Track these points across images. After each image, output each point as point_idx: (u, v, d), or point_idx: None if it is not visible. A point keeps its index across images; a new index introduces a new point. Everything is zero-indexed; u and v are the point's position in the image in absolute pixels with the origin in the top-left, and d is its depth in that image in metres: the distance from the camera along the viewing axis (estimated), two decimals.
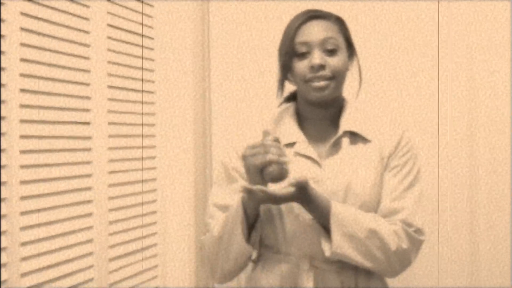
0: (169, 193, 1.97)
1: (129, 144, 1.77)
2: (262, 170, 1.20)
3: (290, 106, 1.44)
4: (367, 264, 1.28)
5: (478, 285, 1.93)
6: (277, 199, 1.23)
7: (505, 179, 1.91)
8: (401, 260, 1.31)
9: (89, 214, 1.59)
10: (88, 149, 1.58)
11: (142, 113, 1.84)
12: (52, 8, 1.45)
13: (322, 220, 1.28)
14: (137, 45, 1.82)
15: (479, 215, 1.93)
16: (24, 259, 1.36)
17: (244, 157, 1.23)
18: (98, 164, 1.62)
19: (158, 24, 1.94)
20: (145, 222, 1.85)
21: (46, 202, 1.43)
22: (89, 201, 1.58)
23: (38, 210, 1.41)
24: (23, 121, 1.36)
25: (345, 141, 1.37)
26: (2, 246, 1.30)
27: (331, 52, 1.32)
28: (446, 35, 1.96)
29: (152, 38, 1.90)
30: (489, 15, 1.92)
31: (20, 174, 1.35)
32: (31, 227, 1.39)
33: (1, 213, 1.30)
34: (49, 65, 1.44)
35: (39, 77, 1.41)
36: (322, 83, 1.31)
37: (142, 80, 1.85)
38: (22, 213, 1.36)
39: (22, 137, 1.36)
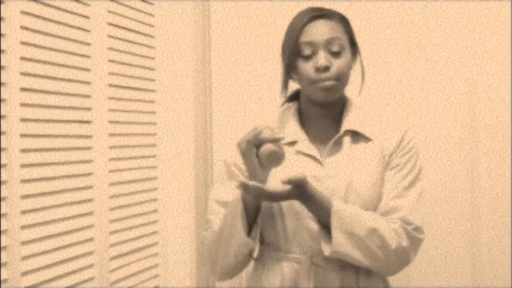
0: (170, 192, 1.97)
1: (129, 143, 1.77)
2: (258, 154, 1.20)
3: (292, 105, 1.44)
4: (366, 262, 1.28)
5: (478, 285, 1.93)
6: (274, 197, 1.22)
7: (506, 178, 1.91)
8: (401, 259, 1.31)
9: (90, 213, 1.58)
10: (89, 148, 1.58)
11: (142, 112, 1.84)
12: (52, 6, 1.45)
13: (323, 218, 1.28)
14: (137, 43, 1.81)
15: (479, 215, 1.93)
16: (25, 258, 1.36)
17: (238, 145, 1.23)
18: (99, 162, 1.61)
19: (159, 22, 1.94)
20: (146, 221, 1.85)
21: (46, 201, 1.43)
22: (89, 200, 1.58)
23: (39, 209, 1.40)
24: (23, 119, 1.36)
25: (347, 140, 1.37)
26: (2, 245, 1.30)
27: (336, 53, 1.32)
28: (447, 35, 1.95)
29: (152, 37, 1.90)
30: (489, 15, 1.92)
31: (21, 173, 1.35)
32: (32, 226, 1.38)
33: (2, 212, 1.29)
34: (50, 63, 1.44)
35: (39, 76, 1.41)
36: (327, 84, 1.31)
37: (142, 78, 1.84)
38: (23, 212, 1.36)
39: (23, 135, 1.36)
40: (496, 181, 1.92)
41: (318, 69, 1.30)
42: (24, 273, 1.36)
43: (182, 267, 1.98)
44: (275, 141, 1.20)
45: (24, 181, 1.36)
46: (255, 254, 1.37)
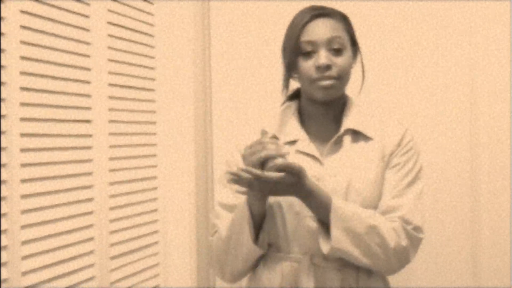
0: (170, 191, 1.97)
1: (129, 142, 1.77)
2: (263, 167, 1.20)
3: (292, 104, 1.44)
4: (365, 260, 1.28)
5: (478, 285, 1.93)
6: (269, 184, 1.19)
7: (507, 178, 1.91)
8: (400, 258, 1.30)
9: (90, 212, 1.58)
10: (89, 147, 1.58)
11: (142, 111, 1.84)
12: (52, 6, 1.45)
13: (322, 215, 1.28)
14: (137, 43, 1.81)
15: (480, 215, 1.93)
16: (25, 257, 1.36)
17: (243, 158, 1.23)
18: (99, 162, 1.61)
19: (159, 22, 1.93)
20: (146, 220, 1.85)
21: (46, 200, 1.42)
22: (89, 199, 1.58)
23: (39, 209, 1.40)
24: (23, 119, 1.36)
25: (347, 139, 1.37)
26: (2, 244, 1.30)
27: (337, 52, 1.32)
28: (447, 35, 1.95)
29: (152, 36, 1.90)
30: (489, 15, 1.91)
31: (21, 173, 1.35)
32: (32, 225, 1.38)
33: (2, 211, 1.29)
34: (50, 63, 1.44)
35: (39, 75, 1.41)
36: (328, 83, 1.30)
37: (142, 78, 1.84)
38: (23, 212, 1.36)
39: (23, 135, 1.36)
40: (497, 180, 1.92)
41: (319, 68, 1.30)
42: (24, 273, 1.36)
43: (182, 266, 1.98)
44: (280, 156, 1.20)
45: (24, 180, 1.36)
46: None
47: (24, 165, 1.36)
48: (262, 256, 1.38)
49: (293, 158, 1.35)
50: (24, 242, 1.36)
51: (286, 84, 1.39)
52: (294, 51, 1.33)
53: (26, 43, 1.37)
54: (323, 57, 1.30)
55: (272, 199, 1.34)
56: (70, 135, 1.51)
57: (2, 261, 1.29)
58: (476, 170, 1.94)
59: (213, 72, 2.13)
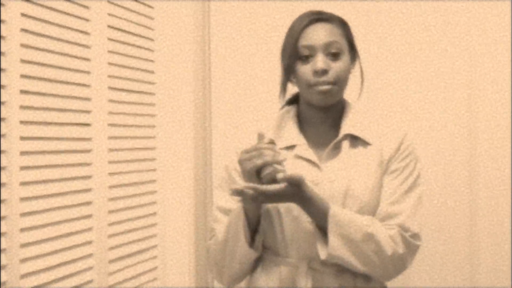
0: (169, 195, 1.97)
1: (129, 146, 1.77)
2: (259, 173, 1.20)
3: (291, 108, 1.44)
4: (361, 267, 1.28)
5: (478, 285, 1.93)
6: (270, 196, 1.21)
7: (505, 181, 1.91)
8: (396, 265, 1.30)
9: (89, 216, 1.58)
10: (88, 151, 1.58)
11: (142, 115, 1.84)
12: (52, 9, 1.45)
13: (320, 221, 1.28)
14: (137, 46, 1.82)
15: (479, 216, 1.93)
16: (24, 260, 1.36)
17: (239, 162, 1.23)
18: (98, 165, 1.61)
19: (159, 25, 1.94)
20: (145, 223, 1.85)
21: (46, 203, 1.43)
22: (89, 203, 1.58)
23: (38, 212, 1.40)
24: (23, 122, 1.36)
25: (346, 144, 1.37)
26: (1, 247, 1.30)
27: (335, 56, 1.32)
28: (446, 37, 1.96)
29: (152, 40, 1.90)
30: (489, 15, 1.92)
31: (20, 176, 1.35)
32: (31, 228, 1.38)
33: (1, 214, 1.29)
34: (49, 66, 1.44)
35: (39, 78, 1.41)
36: (325, 88, 1.30)
37: (142, 81, 1.84)
38: (22, 215, 1.36)
39: (22, 138, 1.36)
40: (496, 183, 1.92)
41: (316, 72, 1.30)
42: (23, 276, 1.36)
43: (181, 269, 1.97)
44: (277, 163, 1.20)
45: (24, 183, 1.36)
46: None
47: (23, 168, 1.36)
48: (259, 259, 1.39)
49: (292, 163, 1.35)
50: (23, 245, 1.36)
51: (283, 88, 1.39)
52: (292, 55, 1.33)
53: (26, 46, 1.37)
54: (320, 61, 1.30)
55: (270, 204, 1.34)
56: (69, 138, 1.51)
57: (1, 264, 1.29)
58: (475, 173, 1.94)
59: (212, 76, 2.13)
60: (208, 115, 2.12)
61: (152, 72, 1.90)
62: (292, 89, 1.42)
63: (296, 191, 1.22)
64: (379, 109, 1.98)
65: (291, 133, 1.39)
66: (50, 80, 1.44)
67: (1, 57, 1.30)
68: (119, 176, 1.72)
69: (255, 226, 1.32)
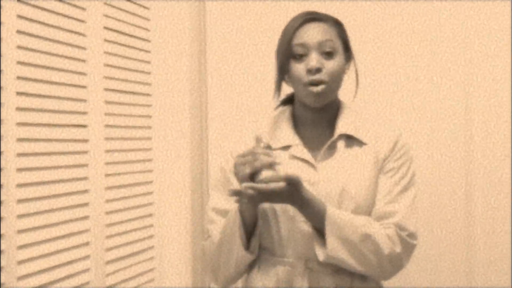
0: (166, 196, 1.97)
1: (125, 147, 1.77)
2: (253, 177, 1.21)
3: (286, 109, 1.44)
4: (359, 268, 1.29)
5: (477, 285, 1.93)
6: (268, 195, 1.21)
7: (503, 180, 1.91)
8: (393, 264, 1.31)
9: (86, 217, 1.58)
10: (85, 152, 1.58)
11: (138, 116, 1.84)
12: (48, 10, 1.45)
13: (317, 223, 1.28)
14: (133, 47, 1.82)
15: (477, 215, 1.94)
16: (21, 262, 1.36)
17: (235, 166, 1.23)
18: (95, 167, 1.61)
19: (155, 27, 1.94)
20: (142, 224, 1.85)
21: (42, 205, 1.42)
22: (85, 204, 1.58)
23: (35, 213, 1.40)
24: (19, 124, 1.36)
25: (341, 144, 1.37)
26: None
27: (328, 55, 1.32)
28: (445, 36, 1.96)
29: (148, 41, 1.90)
30: (489, 15, 1.92)
31: (17, 177, 1.35)
32: (28, 230, 1.38)
33: None
34: (46, 68, 1.44)
35: (35, 80, 1.41)
36: (318, 88, 1.31)
37: (138, 82, 1.85)
38: (19, 216, 1.35)
39: (19, 140, 1.36)
40: (494, 182, 1.92)
41: (310, 71, 1.31)
42: (20, 278, 1.36)
43: (178, 271, 1.98)
44: (271, 166, 1.21)
45: (20, 185, 1.36)
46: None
47: (20, 169, 1.36)
48: (255, 260, 1.39)
49: (287, 164, 1.35)
50: (20, 247, 1.36)
51: (278, 88, 1.40)
52: (286, 54, 1.34)
53: (23, 48, 1.37)
54: (314, 59, 1.31)
55: (266, 204, 1.34)
56: (66, 140, 1.51)
57: None
58: (472, 171, 1.94)
59: (209, 77, 2.13)
60: (204, 115, 2.12)
61: (148, 73, 1.90)
62: (287, 90, 1.43)
63: (293, 191, 1.22)
64: (374, 109, 1.99)
65: (286, 134, 1.39)
66: (46, 82, 1.44)
67: None
68: (116, 177, 1.72)
69: (252, 228, 1.32)
